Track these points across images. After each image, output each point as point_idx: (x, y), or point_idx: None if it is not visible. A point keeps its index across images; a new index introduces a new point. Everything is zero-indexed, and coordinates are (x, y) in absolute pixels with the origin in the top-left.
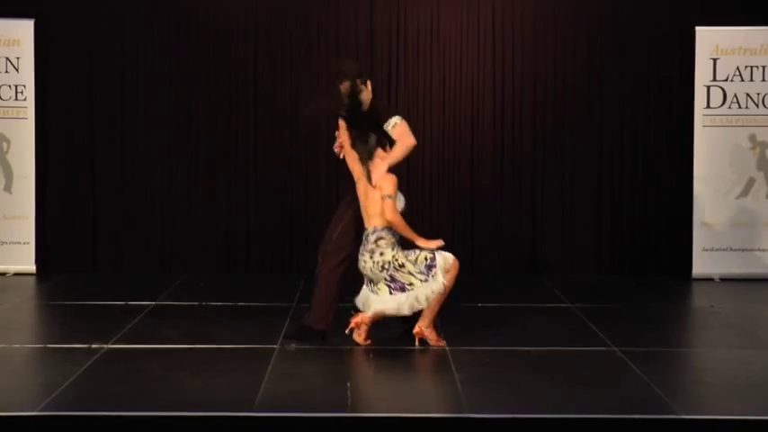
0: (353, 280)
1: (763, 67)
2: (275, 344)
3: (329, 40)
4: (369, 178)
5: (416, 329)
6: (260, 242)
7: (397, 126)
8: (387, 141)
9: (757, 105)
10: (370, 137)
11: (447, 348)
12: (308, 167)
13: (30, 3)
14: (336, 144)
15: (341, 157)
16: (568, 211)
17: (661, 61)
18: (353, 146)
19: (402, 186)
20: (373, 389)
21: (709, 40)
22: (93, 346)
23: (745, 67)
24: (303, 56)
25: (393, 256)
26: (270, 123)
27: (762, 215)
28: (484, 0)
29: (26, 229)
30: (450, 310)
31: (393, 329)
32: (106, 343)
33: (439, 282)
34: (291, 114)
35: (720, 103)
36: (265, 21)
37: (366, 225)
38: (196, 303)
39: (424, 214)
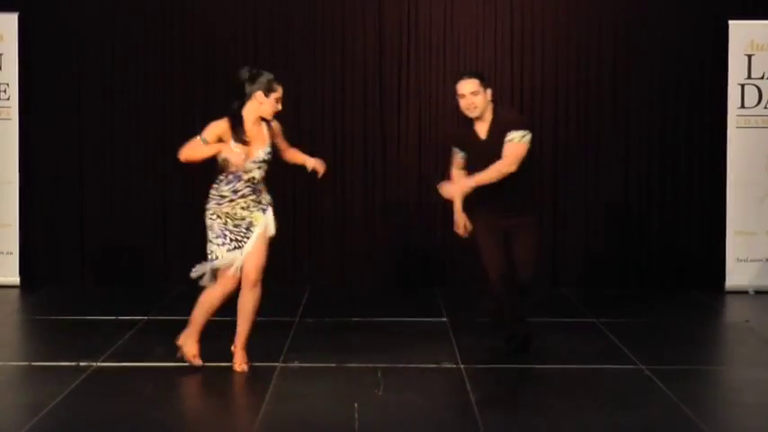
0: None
1: None
2: (277, 361)
3: (334, 37)
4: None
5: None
6: None
7: None
8: None
9: None
10: None
11: (462, 367)
12: (312, 173)
13: None
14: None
15: None
16: (592, 219)
17: (691, 58)
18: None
19: (414, 193)
20: (383, 411)
21: (744, 35)
22: (81, 364)
23: None
24: (305, 53)
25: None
26: None
27: None
28: None
29: (9, 238)
30: (465, 324)
31: (402, 346)
32: (95, 361)
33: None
34: (293, 116)
35: (756, 102)
36: (265, 16)
37: None
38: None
39: (438, 224)
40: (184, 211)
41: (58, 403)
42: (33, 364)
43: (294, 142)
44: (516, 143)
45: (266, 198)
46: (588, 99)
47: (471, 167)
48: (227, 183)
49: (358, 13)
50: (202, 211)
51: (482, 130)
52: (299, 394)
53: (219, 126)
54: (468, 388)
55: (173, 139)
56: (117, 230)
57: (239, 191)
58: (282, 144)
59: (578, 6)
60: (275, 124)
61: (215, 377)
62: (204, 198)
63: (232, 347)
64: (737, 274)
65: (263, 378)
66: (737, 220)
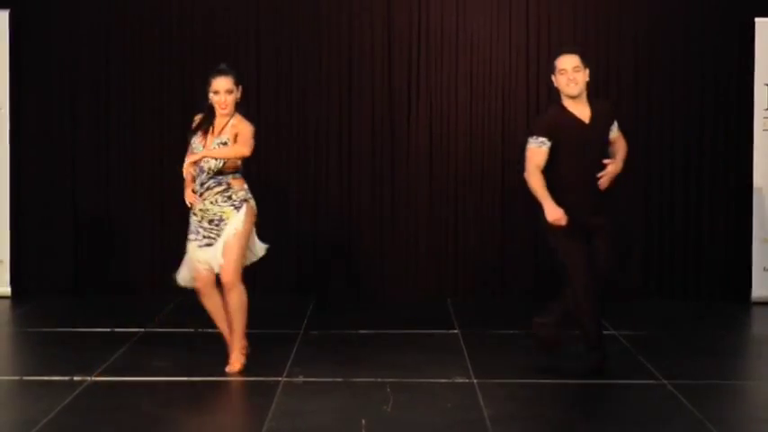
0: None
1: None
2: (281, 376)
3: (341, 38)
4: None
5: None
6: (263, 261)
7: None
8: None
9: None
10: None
11: (475, 382)
12: (318, 177)
13: None
14: None
15: None
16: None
17: (715, 57)
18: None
19: (423, 200)
20: (392, 428)
21: None
22: (75, 378)
23: None
24: (311, 53)
25: None
26: (274, 128)
27: None
28: None
29: (0, 247)
30: (479, 337)
31: (413, 360)
32: (90, 375)
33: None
34: (300, 120)
35: None
36: (269, 16)
37: None
38: (191, 330)
39: (450, 231)
40: (183, 220)
41: (50, 420)
42: (25, 378)
43: (300, 146)
44: (621, 134)
45: (240, 194)
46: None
47: (571, 157)
48: (197, 177)
49: (366, 14)
50: None
51: (582, 114)
52: (304, 411)
53: (196, 118)
54: (482, 404)
55: (170, 143)
56: (112, 239)
57: (205, 183)
58: (240, 147)
59: (597, 5)
60: (243, 127)
61: (215, 392)
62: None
63: (228, 367)
64: (764, 284)
65: (266, 393)
66: (764, 227)
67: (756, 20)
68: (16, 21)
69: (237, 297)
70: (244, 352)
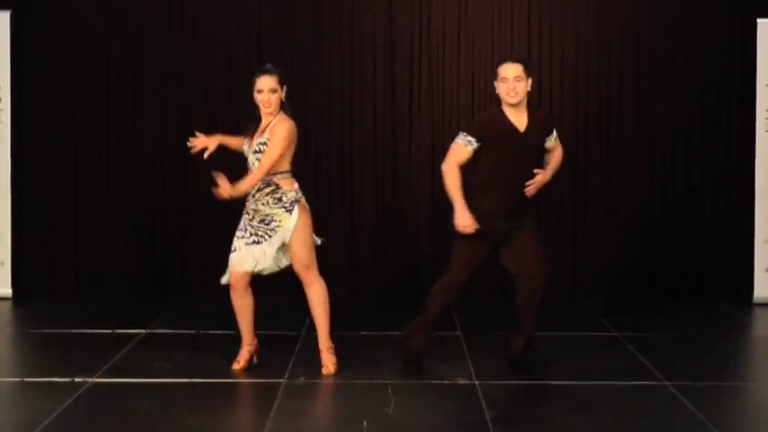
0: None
1: None
2: (281, 377)
3: (342, 38)
4: None
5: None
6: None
7: None
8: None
9: None
10: None
11: (477, 383)
12: (319, 177)
13: None
14: None
15: None
16: (614, 228)
17: (718, 58)
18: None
19: (424, 200)
20: (393, 430)
21: None
22: (77, 379)
23: None
24: (313, 53)
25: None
26: None
27: None
28: None
29: (1, 248)
30: (480, 339)
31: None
32: (91, 376)
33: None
34: (301, 120)
35: None
36: (270, 16)
37: None
38: (192, 332)
39: (452, 231)
40: (183, 221)
41: (52, 421)
42: (26, 379)
43: (301, 146)
44: (559, 142)
45: (290, 195)
46: (609, 103)
47: (500, 162)
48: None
49: (367, 13)
50: (201, 221)
51: (519, 122)
52: (305, 412)
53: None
54: (484, 405)
55: (172, 144)
56: (113, 240)
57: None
58: (267, 149)
59: (599, 6)
60: (277, 130)
61: (217, 394)
62: (203, 204)
63: (234, 364)
64: (766, 286)
65: (268, 395)
66: (766, 228)
67: (759, 21)
68: (17, 21)
69: (316, 292)
70: (333, 352)
